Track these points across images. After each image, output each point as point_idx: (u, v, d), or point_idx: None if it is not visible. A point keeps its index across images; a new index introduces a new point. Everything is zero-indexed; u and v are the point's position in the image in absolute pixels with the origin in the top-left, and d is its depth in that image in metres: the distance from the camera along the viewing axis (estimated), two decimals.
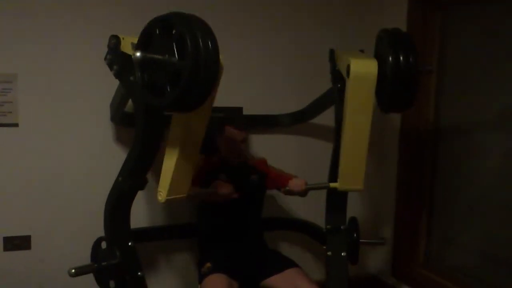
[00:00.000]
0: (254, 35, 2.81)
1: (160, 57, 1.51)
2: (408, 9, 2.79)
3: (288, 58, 2.89)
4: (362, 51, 2.31)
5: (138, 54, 1.51)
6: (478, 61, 2.60)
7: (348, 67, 1.96)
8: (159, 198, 1.86)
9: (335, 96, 2.32)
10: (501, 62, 2.48)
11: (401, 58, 1.96)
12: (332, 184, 2.18)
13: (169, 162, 1.82)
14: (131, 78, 1.88)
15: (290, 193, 2.37)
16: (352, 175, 2.12)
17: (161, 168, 2.40)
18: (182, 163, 1.82)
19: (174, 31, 1.50)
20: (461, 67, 2.71)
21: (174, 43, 1.49)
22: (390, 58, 1.96)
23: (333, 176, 2.26)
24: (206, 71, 1.48)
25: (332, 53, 2.37)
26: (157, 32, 1.55)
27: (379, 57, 2.04)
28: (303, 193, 2.36)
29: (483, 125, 2.60)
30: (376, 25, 2.94)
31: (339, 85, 2.26)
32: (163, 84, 1.54)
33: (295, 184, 2.32)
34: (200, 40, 1.46)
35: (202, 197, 2.35)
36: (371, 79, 1.95)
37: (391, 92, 2.00)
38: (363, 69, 1.97)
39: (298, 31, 2.89)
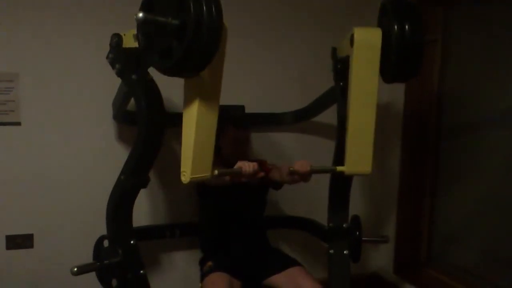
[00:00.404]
0: (255, 33, 2.81)
1: (162, 18, 1.50)
2: None
3: (290, 56, 2.88)
4: None
5: (140, 14, 1.49)
6: (484, 30, 2.58)
7: (352, 36, 1.95)
8: (183, 178, 1.74)
9: (337, 94, 2.32)
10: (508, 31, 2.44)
11: (406, 26, 1.92)
12: (339, 168, 2.09)
13: (188, 138, 1.72)
14: (133, 76, 1.89)
15: (296, 173, 2.16)
16: (360, 157, 2.05)
17: (163, 166, 2.43)
18: (202, 136, 1.73)
19: None
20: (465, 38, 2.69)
21: (176, 5, 1.48)
22: (395, 27, 1.92)
23: (338, 162, 2.19)
24: (209, 29, 1.46)
25: (334, 51, 2.36)
26: None
27: (383, 26, 2.01)
28: (307, 175, 2.16)
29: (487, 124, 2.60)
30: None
31: (341, 83, 2.26)
32: (166, 47, 1.53)
33: (300, 164, 2.13)
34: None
35: (227, 177, 2.09)
36: (376, 46, 1.93)
37: (396, 61, 1.97)
38: (368, 37, 1.95)
39: (300, 30, 2.89)
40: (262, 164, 2.48)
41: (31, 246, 2.53)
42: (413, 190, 2.93)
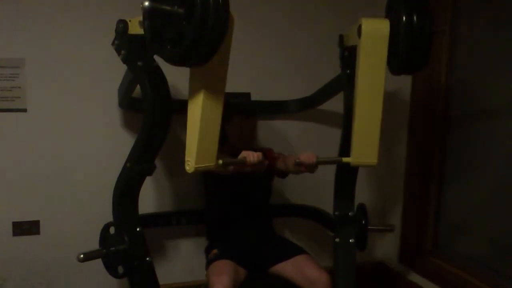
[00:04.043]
0: (262, 20, 2.79)
1: (168, 7, 1.49)
2: None
3: (296, 43, 2.86)
4: None
5: (146, 3, 1.49)
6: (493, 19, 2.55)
7: (360, 27, 1.93)
8: (187, 168, 1.75)
9: (344, 82, 2.30)
10: None
11: (414, 18, 1.90)
12: (345, 159, 2.08)
13: (193, 128, 1.72)
14: (139, 63, 1.88)
15: (301, 165, 2.17)
16: (366, 148, 2.02)
17: (169, 154, 2.42)
18: (207, 124, 1.73)
19: None
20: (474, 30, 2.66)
21: None
22: (403, 18, 1.91)
23: (344, 153, 2.20)
24: (216, 18, 1.46)
25: (341, 38, 2.34)
26: None
27: (391, 17, 1.99)
28: (313, 167, 2.17)
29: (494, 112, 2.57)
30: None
31: (348, 71, 2.24)
32: (174, 35, 1.52)
33: (306, 156, 2.14)
34: None
35: (231, 167, 2.07)
36: (384, 38, 1.91)
37: (403, 53, 1.95)
38: (375, 28, 1.93)
39: (306, 17, 2.86)
40: (268, 153, 2.49)
41: (37, 232, 2.54)
42: (419, 179, 2.91)
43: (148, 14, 1.57)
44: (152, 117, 1.91)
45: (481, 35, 2.61)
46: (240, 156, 1.98)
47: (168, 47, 1.56)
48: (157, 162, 2.09)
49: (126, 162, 2.02)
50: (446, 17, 2.71)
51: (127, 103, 2.47)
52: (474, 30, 2.65)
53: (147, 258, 2.08)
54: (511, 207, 2.45)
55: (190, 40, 1.46)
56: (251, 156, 1.98)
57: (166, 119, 1.95)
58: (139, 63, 1.88)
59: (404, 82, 2.86)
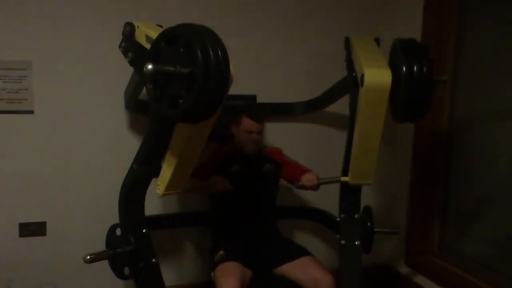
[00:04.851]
0: (268, 23, 2.79)
1: (171, 68, 1.49)
2: (424, 16, 2.75)
3: (302, 46, 2.86)
4: (377, 40, 2.29)
5: (149, 66, 1.47)
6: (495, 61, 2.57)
7: (362, 76, 1.97)
8: (158, 191, 1.94)
9: (349, 84, 2.30)
10: None
11: (415, 69, 1.96)
12: (343, 178, 2.27)
13: (169, 166, 1.87)
14: None
15: (303, 187, 2.47)
16: (362, 171, 2.19)
17: None
18: (181, 167, 1.87)
19: (183, 42, 1.48)
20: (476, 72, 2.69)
21: (184, 54, 1.48)
22: (404, 69, 1.96)
23: (346, 169, 2.28)
24: (218, 79, 1.47)
25: (347, 41, 2.34)
26: (165, 44, 1.54)
27: (393, 66, 2.02)
28: (315, 188, 2.45)
29: (498, 115, 2.56)
30: (391, 13, 2.93)
31: (354, 73, 2.24)
32: (174, 95, 1.53)
33: (307, 179, 2.43)
34: (210, 49, 1.44)
35: (198, 190, 2.49)
36: (385, 89, 1.96)
37: (405, 102, 2.01)
38: (377, 79, 1.96)
39: (312, 19, 2.86)
40: (277, 154, 2.59)
41: (44, 233, 2.55)
42: (425, 181, 2.90)
43: (151, 77, 1.56)
44: (158, 118, 1.91)
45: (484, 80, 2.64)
46: (210, 181, 2.35)
47: (170, 106, 1.56)
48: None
49: (133, 163, 2.02)
50: (447, 66, 2.75)
51: (133, 105, 2.48)
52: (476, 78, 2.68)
53: (153, 260, 2.08)
54: None
55: (192, 100, 1.47)
56: (219, 184, 2.37)
57: (172, 121, 1.95)
58: None
59: None
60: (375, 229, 2.54)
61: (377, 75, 1.97)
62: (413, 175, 2.96)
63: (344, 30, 2.39)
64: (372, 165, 2.15)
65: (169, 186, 1.91)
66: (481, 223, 2.70)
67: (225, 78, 1.50)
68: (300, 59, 2.87)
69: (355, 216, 2.44)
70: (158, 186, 1.93)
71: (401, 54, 2.01)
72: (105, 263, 2.06)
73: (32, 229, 2.53)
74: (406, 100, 2.00)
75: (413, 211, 2.98)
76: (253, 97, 2.76)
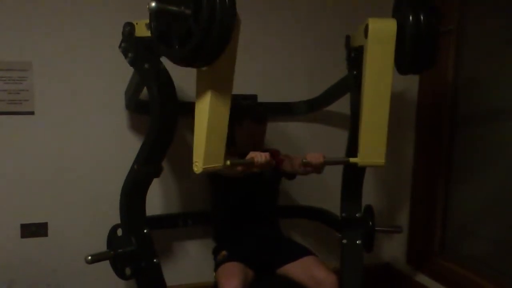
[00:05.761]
0: (268, 22, 2.79)
1: (175, 8, 1.50)
2: None
3: (302, 44, 2.86)
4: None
5: (152, 4, 1.49)
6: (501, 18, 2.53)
7: (367, 26, 1.93)
8: (195, 169, 1.74)
9: (350, 83, 2.30)
10: None
11: (421, 17, 1.90)
12: (352, 159, 2.06)
13: (201, 129, 1.72)
14: (146, 65, 1.89)
15: (308, 165, 2.15)
16: (373, 148, 2.01)
17: (176, 155, 2.43)
18: (214, 125, 1.73)
19: None
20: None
21: None
22: (410, 18, 1.91)
23: (351, 154, 2.18)
24: (222, 16, 1.47)
25: (348, 39, 2.34)
26: None
27: (398, 17, 1.98)
28: (320, 167, 2.16)
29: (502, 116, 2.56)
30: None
31: (355, 72, 2.24)
32: (180, 36, 1.53)
33: (313, 156, 2.12)
34: None
35: (239, 168, 2.03)
36: (391, 37, 1.91)
37: (410, 52, 1.95)
38: (382, 27, 1.93)
39: (313, 18, 2.86)
40: (274, 154, 2.48)
41: (45, 234, 2.55)
42: (426, 180, 2.90)
43: (155, 14, 1.57)
44: (159, 119, 1.92)
45: (489, 34, 2.59)
46: (248, 157, 1.97)
47: (176, 47, 1.56)
48: (164, 163, 2.10)
49: (134, 164, 2.02)
50: (453, 13, 2.70)
51: (134, 105, 2.48)
52: (482, 30, 2.63)
53: (155, 260, 2.08)
54: None
55: (198, 38, 1.47)
56: (259, 157, 1.97)
57: (172, 121, 1.95)
58: (146, 66, 1.89)
59: (412, 82, 2.86)
60: (376, 228, 2.54)
61: (381, 24, 1.93)
62: (415, 173, 2.96)
63: (346, 28, 2.38)
64: (383, 139, 1.99)
65: (207, 159, 1.72)
66: (482, 222, 2.69)
67: (231, 13, 1.50)
68: (300, 58, 2.87)
69: (357, 215, 2.43)
70: (195, 163, 1.73)
71: (405, 3, 1.97)
72: (106, 264, 2.06)
73: (34, 230, 2.53)
74: (411, 51, 1.94)
75: (415, 210, 2.98)
76: (253, 97, 2.76)
